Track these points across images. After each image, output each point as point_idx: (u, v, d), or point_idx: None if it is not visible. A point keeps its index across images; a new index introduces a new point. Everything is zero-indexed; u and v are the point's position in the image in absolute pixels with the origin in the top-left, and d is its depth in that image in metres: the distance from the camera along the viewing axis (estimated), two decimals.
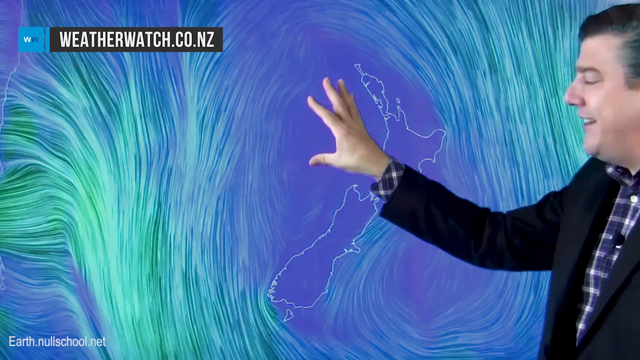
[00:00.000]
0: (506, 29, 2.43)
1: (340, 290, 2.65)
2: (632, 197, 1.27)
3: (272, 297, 2.72)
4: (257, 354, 2.75)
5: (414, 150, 2.53)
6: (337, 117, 1.52)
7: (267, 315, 2.73)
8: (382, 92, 2.57)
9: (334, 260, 2.65)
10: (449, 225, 1.48)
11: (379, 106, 2.58)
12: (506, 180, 2.46)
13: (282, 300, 2.72)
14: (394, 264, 2.59)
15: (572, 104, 1.29)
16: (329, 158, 1.54)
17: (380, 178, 1.49)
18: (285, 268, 2.70)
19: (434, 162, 2.52)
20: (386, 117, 2.58)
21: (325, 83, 1.55)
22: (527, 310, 2.45)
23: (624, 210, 1.28)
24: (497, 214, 1.54)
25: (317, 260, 2.66)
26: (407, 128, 2.56)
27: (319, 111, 1.53)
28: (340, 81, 1.58)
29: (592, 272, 1.28)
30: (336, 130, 1.50)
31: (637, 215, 1.25)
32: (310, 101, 1.56)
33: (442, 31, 2.50)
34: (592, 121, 1.26)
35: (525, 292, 2.45)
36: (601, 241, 1.29)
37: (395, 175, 1.48)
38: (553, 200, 1.47)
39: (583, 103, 1.27)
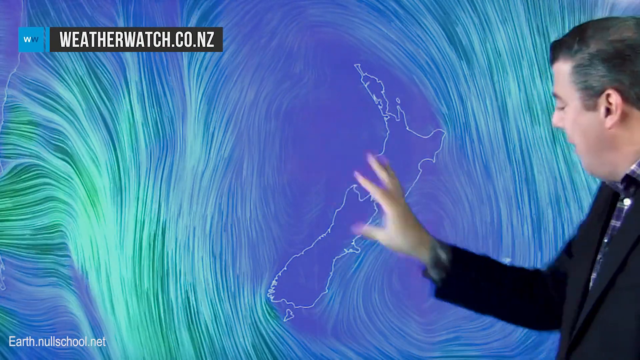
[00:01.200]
0: (506, 29, 2.43)
1: (340, 290, 2.65)
2: (624, 200, 1.28)
3: (272, 297, 2.72)
4: (257, 354, 2.75)
5: (414, 150, 2.53)
6: (389, 195, 1.51)
7: (267, 315, 2.73)
8: (382, 92, 2.57)
9: (334, 260, 2.64)
10: (503, 298, 1.47)
11: (379, 106, 2.58)
12: (506, 180, 2.46)
13: (282, 300, 2.71)
14: (394, 264, 2.59)
15: (558, 127, 1.31)
16: (378, 234, 1.53)
17: (428, 262, 1.48)
18: (285, 268, 2.70)
19: (434, 162, 2.52)
20: (386, 117, 2.58)
21: (373, 161, 1.54)
22: None
23: (618, 214, 1.29)
24: (544, 271, 1.52)
25: (317, 260, 2.66)
26: (407, 128, 2.56)
27: (371, 188, 1.51)
28: (387, 161, 1.56)
29: (594, 275, 1.29)
30: (388, 209, 1.49)
31: (622, 216, 1.27)
32: (360, 179, 1.53)
33: (442, 31, 2.50)
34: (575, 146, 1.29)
35: None
36: (603, 245, 1.30)
37: (444, 256, 1.47)
38: (574, 241, 1.46)
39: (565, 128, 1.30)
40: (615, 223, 1.29)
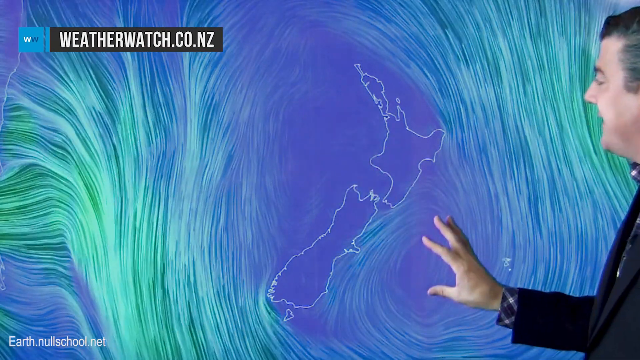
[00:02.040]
0: (506, 28, 2.43)
1: (340, 290, 2.65)
2: None
3: (272, 297, 2.72)
4: (257, 354, 2.75)
5: (414, 150, 2.53)
6: (456, 253, 1.51)
7: (267, 315, 2.73)
8: (382, 92, 2.57)
9: (334, 260, 2.64)
10: (580, 329, 1.45)
11: (379, 106, 2.58)
12: (506, 180, 2.46)
13: (282, 300, 2.71)
14: (394, 264, 2.59)
15: (590, 102, 1.32)
16: (448, 292, 1.53)
17: (500, 309, 1.49)
18: (285, 268, 2.70)
19: (434, 162, 2.52)
20: (386, 117, 2.58)
21: (438, 222, 1.55)
22: None
23: None
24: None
25: (317, 260, 2.66)
26: (407, 128, 2.56)
27: (438, 249, 1.52)
28: (449, 218, 1.57)
29: (618, 274, 1.29)
30: (457, 267, 1.50)
31: None
32: (426, 241, 1.55)
33: (442, 30, 2.50)
34: (603, 121, 1.29)
35: None
36: (627, 243, 1.30)
37: (512, 301, 1.48)
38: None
39: (598, 103, 1.30)
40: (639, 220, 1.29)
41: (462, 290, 1.50)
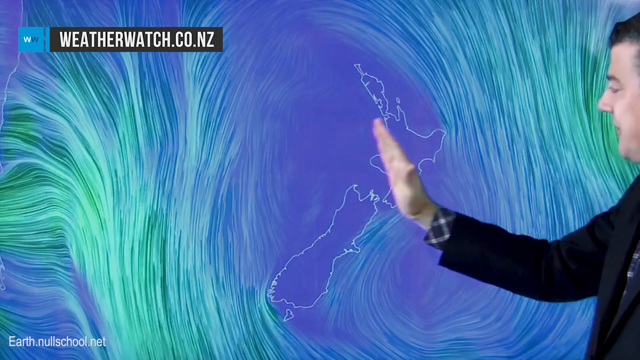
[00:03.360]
0: (506, 28, 2.43)
1: (340, 290, 2.65)
2: None
3: (272, 297, 2.72)
4: (257, 354, 2.75)
5: (414, 150, 2.53)
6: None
7: (267, 315, 2.73)
8: (382, 92, 2.57)
9: (334, 260, 2.64)
10: (506, 266, 1.47)
11: (379, 106, 2.58)
12: (506, 180, 2.46)
13: (282, 300, 2.71)
14: (394, 264, 2.59)
15: (604, 111, 1.30)
16: (396, 166, 1.52)
17: (429, 227, 1.50)
18: (285, 268, 2.70)
19: (434, 162, 2.52)
20: (386, 117, 2.58)
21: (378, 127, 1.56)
22: (529, 310, 2.45)
23: None
24: (551, 243, 1.53)
25: (317, 260, 2.66)
26: (407, 128, 2.56)
27: (395, 147, 1.53)
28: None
29: (629, 274, 1.29)
30: (408, 165, 1.51)
31: None
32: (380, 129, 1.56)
33: (442, 31, 2.50)
34: (619, 129, 1.28)
35: None
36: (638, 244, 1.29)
37: (443, 221, 1.50)
38: (601, 220, 1.47)
39: (613, 111, 1.28)
40: None
41: (404, 182, 1.50)
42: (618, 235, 1.35)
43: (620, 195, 2.34)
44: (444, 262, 1.52)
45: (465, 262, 1.50)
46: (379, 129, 1.55)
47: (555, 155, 2.40)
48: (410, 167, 1.49)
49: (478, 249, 1.48)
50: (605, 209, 2.37)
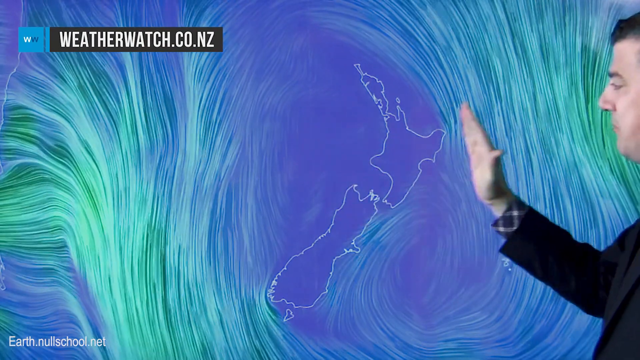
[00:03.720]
0: (506, 28, 2.43)
1: (340, 290, 2.65)
2: None
3: (272, 297, 2.72)
4: (257, 354, 2.75)
5: (414, 150, 2.53)
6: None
7: (267, 315, 2.73)
8: (382, 92, 2.57)
9: (334, 260, 2.64)
10: (563, 273, 1.48)
11: (379, 106, 2.58)
12: (506, 179, 2.45)
13: (282, 300, 2.71)
14: (394, 264, 2.59)
15: (605, 109, 1.29)
16: (480, 149, 1.52)
17: (501, 215, 1.51)
18: (285, 268, 2.70)
19: (433, 162, 2.52)
20: (386, 117, 2.58)
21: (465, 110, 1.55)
22: (529, 310, 2.45)
23: None
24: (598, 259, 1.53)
25: (317, 260, 2.66)
26: (407, 128, 2.56)
27: (478, 128, 1.53)
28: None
29: None
30: (490, 149, 1.51)
31: None
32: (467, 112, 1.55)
33: (442, 30, 2.50)
34: (617, 127, 1.27)
35: (526, 291, 2.45)
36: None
37: (516, 214, 1.50)
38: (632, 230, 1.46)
39: (615, 108, 1.27)
40: None
41: (488, 166, 1.50)
42: (632, 237, 1.35)
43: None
44: (505, 251, 1.53)
45: (526, 258, 1.50)
46: (465, 112, 1.54)
47: (556, 156, 2.40)
48: (496, 153, 1.49)
49: (541, 250, 1.48)
50: (603, 210, 2.37)
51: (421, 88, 2.53)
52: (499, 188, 1.51)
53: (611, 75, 1.27)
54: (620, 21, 1.27)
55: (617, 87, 1.26)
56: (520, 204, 1.51)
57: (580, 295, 1.50)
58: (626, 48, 1.24)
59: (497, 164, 1.50)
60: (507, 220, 1.51)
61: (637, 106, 1.23)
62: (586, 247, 1.55)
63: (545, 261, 1.48)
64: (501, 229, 1.51)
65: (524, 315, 2.46)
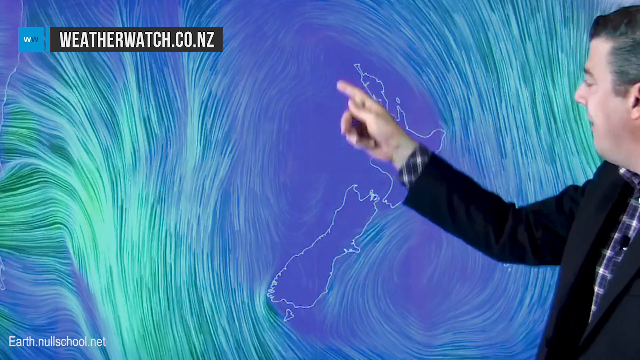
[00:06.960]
0: (506, 28, 2.43)
1: (340, 290, 2.65)
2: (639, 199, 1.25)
3: (272, 297, 2.72)
4: (257, 353, 2.75)
5: None
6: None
7: (267, 315, 2.73)
8: (382, 92, 2.57)
9: (334, 260, 2.64)
10: (470, 215, 1.45)
11: None
12: (506, 179, 2.46)
13: (282, 300, 2.72)
14: (394, 264, 2.59)
15: (580, 103, 1.28)
16: (370, 105, 1.53)
17: (404, 162, 1.47)
18: (285, 268, 2.70)
19: None
20: None
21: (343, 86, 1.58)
22: (529, 310, 2.45)
23: (633, 212, 1.26)
24: (521, 208, 1.52)
25: (317, 260, 2.66)
26: (407, 128, 2.56)
27: (359, 92, 1.55)
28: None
29: (601, 270, 1.27)
30: (380, 106, 1.51)
31: (638, 216, 1.24)
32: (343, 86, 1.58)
33: (442, 30, 2.50)
34: (592, 124, 1.26)
35: (526, 291, 2.45)
36: (612, 240, 1.27)
37: (419, 161, 1.47)
38: (573, 192, 1.45)
39: (587, 104, 1.26)
40: (629, 221, 1.26)
41: (379, 120, 1.50)
42: (584, 221, 1.33)
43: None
44: (409, 198, 1.49)
45: (430, 202, 1.47)
46: (342, 84, 1.57)
47: (558, 154, 2.40)
48: (381, 106, 1.50)
49: (446, 191, 1.45)
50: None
51: (421, 88, 2.53)
52: (402, 134, 1.49)
53: (585, 71, 1.26)
54: (598, 17, 1.25)
55: (589, 85, 1.25)
56: (423, 150, 1.48)
57: (489, 241, 1.47)
58: (598, 47, 1.22)
59: (389, 115, 1.50)
60: (409, 168, 1.47)
61: (603, 107, 1.22)
62: (495, 194, 1.52)
63: (451, 203, 1.45)
64: (405, 178, 1.47)
65: (524, 315, 2.46)
